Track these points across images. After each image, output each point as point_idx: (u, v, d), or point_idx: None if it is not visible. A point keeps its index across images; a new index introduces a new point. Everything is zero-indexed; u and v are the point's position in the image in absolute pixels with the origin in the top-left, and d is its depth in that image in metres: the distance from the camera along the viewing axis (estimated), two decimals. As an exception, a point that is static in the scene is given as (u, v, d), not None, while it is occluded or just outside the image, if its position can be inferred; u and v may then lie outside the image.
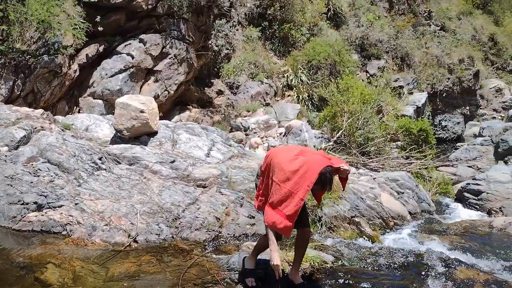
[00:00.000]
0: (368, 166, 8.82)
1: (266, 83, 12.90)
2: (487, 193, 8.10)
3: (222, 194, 5.28)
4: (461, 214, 7.36)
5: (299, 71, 13.11)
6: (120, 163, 5.61)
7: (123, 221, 4.44)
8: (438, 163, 9.68)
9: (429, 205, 6.80)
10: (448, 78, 16.49)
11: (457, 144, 13.53)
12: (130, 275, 3.54)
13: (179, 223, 4.54)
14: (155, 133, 6.50)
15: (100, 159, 5.40)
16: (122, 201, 4.77)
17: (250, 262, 3.37)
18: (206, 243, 4.28)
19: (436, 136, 12.11)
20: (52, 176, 4.90)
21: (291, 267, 3.42)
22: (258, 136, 11.48)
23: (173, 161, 5.80)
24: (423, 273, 3.60)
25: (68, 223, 4.35)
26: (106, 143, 6.29)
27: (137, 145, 6.06)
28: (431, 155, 9.22)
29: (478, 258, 4.24)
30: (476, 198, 8.15)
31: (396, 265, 3.82)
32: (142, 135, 6.39)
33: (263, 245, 3.22)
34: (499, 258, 4.29)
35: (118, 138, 6.36)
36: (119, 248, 4.03)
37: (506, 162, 10.04)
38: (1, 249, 4.00)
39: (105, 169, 5.31)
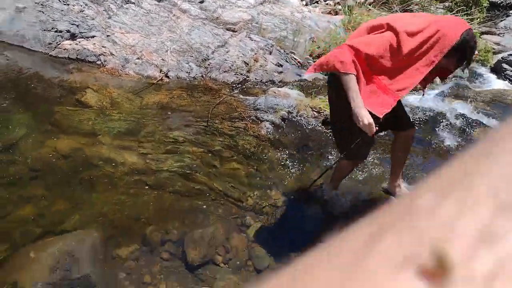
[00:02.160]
0: (406, 27, 8.26)
1: None
2: (528, 65, 7.69)
3: (252, 40, 5.19)
4: (494, 84, 7.14)
5: None
6: (148, -2, 5.42)
7: (154, 56, 4.53)
8: (484, 29, 8.96)
9: (463, 71, 6.57)
10: None
11: (510, 11, 12.24)
12: (163, 105, 3.80)
13: (208, 64, 4.62)
14: (184, -32, 6.06)
15: (128, -9, 5.21)
16: (152, 37, 4.78)
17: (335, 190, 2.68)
18: (234, 85, 4.42)
19: (490, 0, 10.89)
20: (81, 5, 4.84)
21: None
22: (293, -16, 10.59)
23: (202, 1, 5.56)
24: (440, 128, 3.73)
25: (101, 54, 4.48)
26: (133, -24, 5.97)
27: (165, -19, 5.74)
28: (478, 19, 8.48)
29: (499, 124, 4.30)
30: (514, 70, 7.78)
31: (414, 119, 3.93)
32: (170, -30, 5.98)
33: (347, 173, 2.58)
34: (520, 126, 4.33)
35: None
36: (152, 81, 4.22)
37: (559, 35, 9.18)
38: (42, 74, 4.26)
39: (134, 3, 5.17)
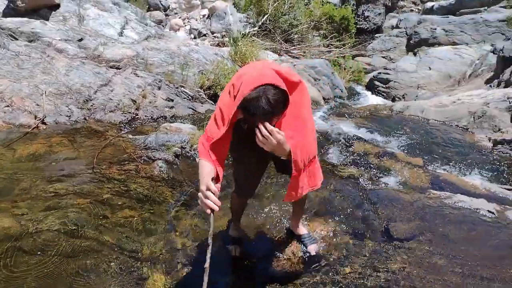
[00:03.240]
0: (290, 54, 8.91)
1: (188, -44, 11.59)
2: (394, 81, 8.82)
3: (138, 76, 5.04)
4: (370, 100, 8.03)
5: None
6: (17, 39, 4.95)
7: (27, 102, 4.10)
8: (355, 52, 10.10)
9: (342, 91, 7.26)
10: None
11: (375, 35, 14.05)
12: (40, 155, 3.42)
13: (91, 105, 4.34)
14: (57, 6, 5.72)
15: (-10, 33, 4.69)
16: (23, 81, 4.34)
17: (235, 232, 2.67)
18: (122, 125, 4.21)
19: (358, 26, 12.39)
20: None
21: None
22: (180, 18, 10.73)
23: (81, 39, 5.26)
24: (325, 146, 4.00)
25: (-40, 105, 3.91)
26: (-4, 16, 5.42)
27: (36, 20, 5.32)
28: (349, 44, 9.53)
29: (376, 136, 4.80)
30: (384, 86, 8.86)
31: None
32: (41, 8, 5.59)
33: (236, 209, 2.57)
34: (392, 136, 4.89)
35: (12, 10, 5.50)
36: (26, 129, 3.79)
37: (415, 54, 10.78)
38: None
39: (-1, 45, 4.67)
